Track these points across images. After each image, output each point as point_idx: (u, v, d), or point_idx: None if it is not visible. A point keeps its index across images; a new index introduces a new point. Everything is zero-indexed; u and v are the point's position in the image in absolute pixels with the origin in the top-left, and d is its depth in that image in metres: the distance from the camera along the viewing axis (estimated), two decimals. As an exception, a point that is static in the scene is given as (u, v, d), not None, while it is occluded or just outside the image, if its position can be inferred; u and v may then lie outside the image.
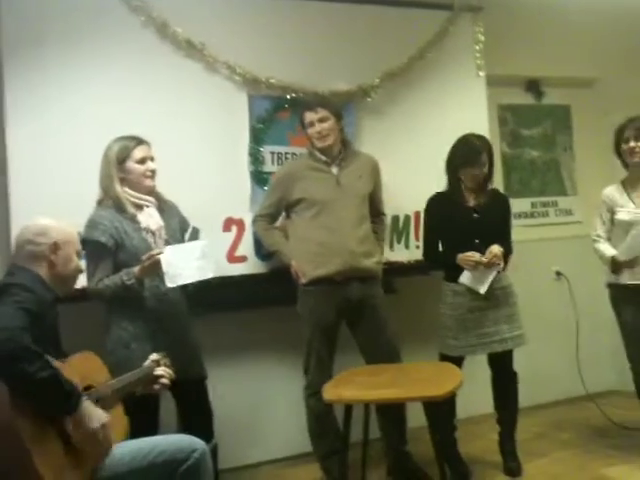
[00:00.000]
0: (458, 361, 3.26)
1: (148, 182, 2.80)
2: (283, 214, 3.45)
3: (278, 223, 3.46)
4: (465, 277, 3.24)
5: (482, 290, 3.23)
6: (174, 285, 2.64)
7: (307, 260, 3.26)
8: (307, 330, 3.28)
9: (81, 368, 2.10)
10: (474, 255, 3.20)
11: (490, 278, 3.23)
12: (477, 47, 4.18)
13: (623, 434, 3.84)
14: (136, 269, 2.64)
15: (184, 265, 2.65)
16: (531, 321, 3.63)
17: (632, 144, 3.36)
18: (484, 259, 3.20)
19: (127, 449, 2.14)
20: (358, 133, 3.79)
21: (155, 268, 2.63)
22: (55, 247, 2.22)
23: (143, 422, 2.66)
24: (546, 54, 4.64)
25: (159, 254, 2.62)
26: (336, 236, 3.23)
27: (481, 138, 3.36)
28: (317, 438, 3.33)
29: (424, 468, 3.33)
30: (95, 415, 1.98)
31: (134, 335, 2.70)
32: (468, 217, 3.33)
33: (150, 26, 3.39)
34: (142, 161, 2.78)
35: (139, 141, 2.80)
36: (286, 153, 3.70)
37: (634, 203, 3.39)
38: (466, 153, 3.31)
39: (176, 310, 2.81)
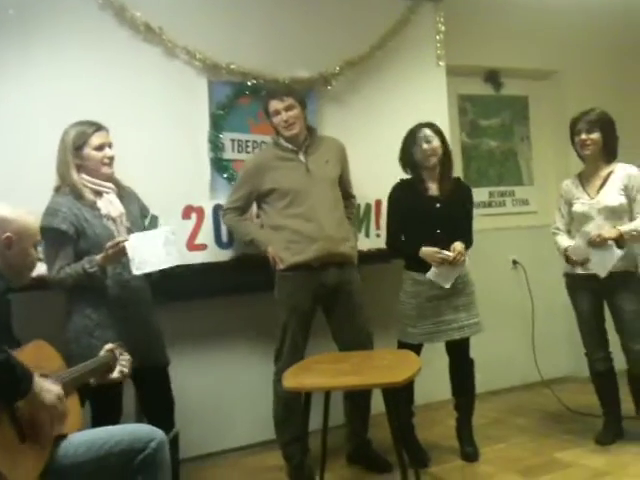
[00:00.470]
0: (417, 348, 3.29)
1: (105, 169, 2.75)
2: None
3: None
4: (431, 273, 3.27)
5: (447, 285, 3.26)
6: (141, 272, 2.60)
7: (283, 247, 3.25)
8: (283, 315, 3.27)
9: (33, 357, 2.05)
10: (441, 253, 3.23)
11: (455, 274, 3.27)
12: (438, 37, 4.21)
13: (577, 419, 3.93)
14: (99, 257, 2.59)
15: (150, 252, 2.60)
16: (488, 309, 3.68)
17: (584, 136, 3.41)
18: (450, 257, 3.22)
19: (83, 439, 2.11)
20: (319, 121, 3.78)
21: (119, 256, 2.59)
22: (8, 241, 2.14)
23: (105, 411, 2.65)
24: (505, 46, 4.69)
25: (124, 242, 2.57)
26: (312, 223, 3.23)
27: (428, 123, 3.38)
28: (281, 425, 3.33)
29: (383, 455, 3.37)
30: (49, 389, 1.95)
31: (98, 323, 2.65)
32: (430, 207, 3.34)
33: (107, 9, 3.33)
34: (100, 148, 2.72)
35: (97, 127, 2.74)
36: (247, 141, 3.68)
37: (588, 195, 3.46)
38: (408, 134, 3.37)
39: (139, 298, 2.78)
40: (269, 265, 3.28)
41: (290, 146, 3.32)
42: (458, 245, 3.26)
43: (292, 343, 3.26)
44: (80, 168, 2.71)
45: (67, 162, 2.69)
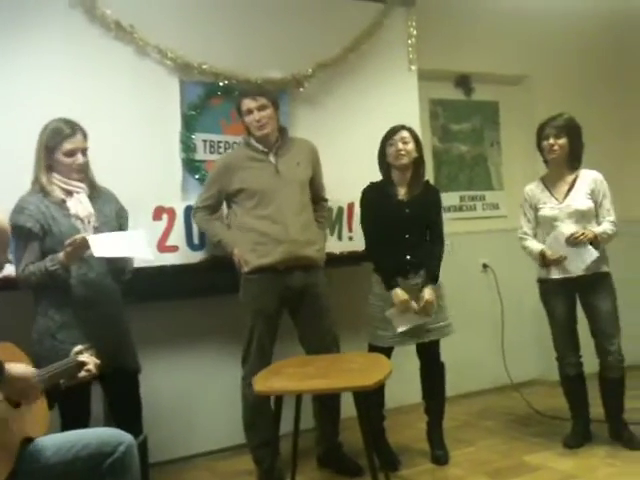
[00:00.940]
0: (387, 351, 3.29)
1: (74, 175, 2.71)
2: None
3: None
4: (390, 313, 3.28)
5: (399, 330, 3.27)
6: (103, 255, 2.55)
7: (250, 249, 3.23)
8: (249, 318, 3.24)
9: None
10: (409, 304, 3.24)
11: (415, 323, 3.28)
12: (410, 41, 4.23)
13: (545, 422, 3.97)
14: (61, 255, 2.55)
15: (114, 246, 2.58)
16: (458, 312, 3.71)
17: (551, 141, 3.45)
18: (416, 310, 3.25)
19: (51, 442, 2.07)
20: (292, 123, 3.77)
21: (79, 252, 2.55)
22: None
23: (74, 414, 2.60)
24: (477, 51, 4.73)
25: (81, 238, 2.52)
26: (278, 225, 3.21)
27: (407, 127, 3.39)
28: (251, 429, 3.30)
29: (354, 458, 3.36)
30: (21, 372, 1.92)
31: (61, 324, 2.61)
32: (400, 212, 3.35)
33: (77, 6, 3.28)
34: (71, 154, 2.68)
35: (72, 132, 2.69)
36: (219, 141, 3.65)
37: (556, 199, 3.49)
38: (386, 133, 3.38)
39: (106, 298, 2.73)
40: (235, 267, 3.26)
41: (260, 147, 3.31)
42: (427, 294, 3.27)
43: (259, 346, 3.23)
44: (51, 167, 2.68)
45: (39, 160, 2.68)
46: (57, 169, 2.69)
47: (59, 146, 2.66)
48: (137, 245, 2.68)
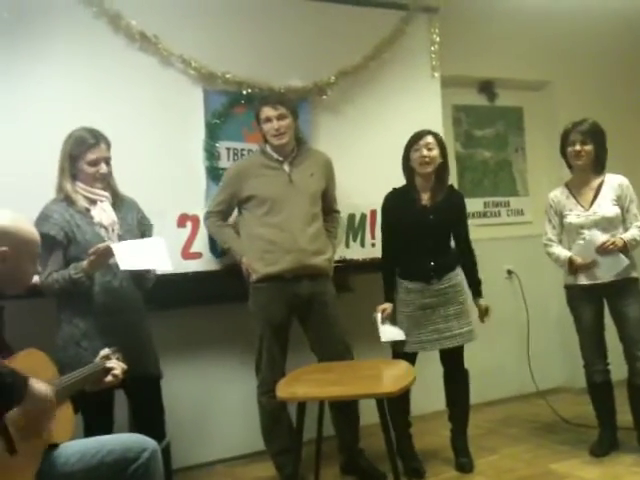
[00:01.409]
0: (411, 357, 3.28)
1: (98, 184, 2.76)
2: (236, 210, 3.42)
3: (231, 220, 3.43)
4: (376, 316, 3.33)
5: (382, 340, 3.31)
6: (127, 268, 2.59)
7: (258, 257, 3.25)
8: (258, 327, 3.26)
9: (26, 365, 2.02)
10: (376, 320, 3.30)
11: (398, 339, 3.33)
12: (432, 48, 4.22)
13: (571, 430, 3.92)
14: (84, 263, 2.59)
15: (138, 255, 2.61)
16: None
17: (578, 147, 3.42)
18: (379, 325, 3.31)
19: (75, 448, 2.09)
20: (314, 130, 3.79)
21: (103, 260, 2.58)
22: (3, 255, 2.04)
23: (98, 420, 2.63)
24: (500, 56, 4.71)
25: (105, 246, 2.56)
26: (286, 234, 3.22)
27: (433, 132, 3.38)
28: (270, 436, 3.31)
29: (376, 465, 3.35)
30: (43, 391, 1.90)
31: (85, 332, 2.65)
32: (423, 218, 3.33)
33: (102, 17, 3.33)
34: (94, 163, 2.72)
35: (96, 141, 2.73)
36: (242, 149, 3.68)
37: (582, 206, 3.46)
38: (411, 138, 3.36)
39: (129, 306, 2.76)
40: (243, 276, 3.29)
41: (276, 155, 3.32)
42: (483, 303, 3.46)
43: (269, 355, 3.24)
44: (75, 176, 2.73)
45: (63, 169, 2.72)
46: (80, 178, 2.73)
47: (83, 155, 2.70)
48: (158, 254, 2.71)
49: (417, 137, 3.34)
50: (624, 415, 3.52)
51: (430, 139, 3.32)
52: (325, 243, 3.38)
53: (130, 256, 2.59)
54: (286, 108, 3.27)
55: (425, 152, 3.30)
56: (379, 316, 3.30)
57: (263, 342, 3.25)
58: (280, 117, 3.25)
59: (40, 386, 1.91)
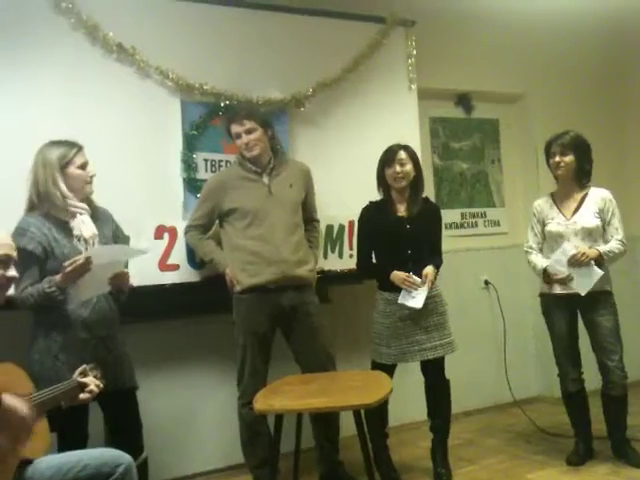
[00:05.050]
0: (390, 369, 3.29)
1: (88, 188, 2.76)
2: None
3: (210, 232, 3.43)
4: (403, 297, 3.29)
5: (419, 306, 3.27)
6: (100, 262, 2.57)
7: (241, 269, 3.25)
8: (241, 338, 3.26)
9: (1, 380, 2.01)
10: (410, 277, 3.25)
11: (425, 295, 3.27)
12: (409, 61, 4.25)
13: (548, 439, 3.95)
14: (58, 277, 2.56)
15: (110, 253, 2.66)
16: (460, 329, 3.71)
17: (557, 159, 3.48)
18: (419, 282, 3.25)
19: (50, 463, 2.07)
20: (292, 142, 3.80)
21: (77, 274, 2.55)
22: None
23: (72, 435, 2.60)
24: (476, 69, 4.77)
25: (80, 260, 2.53)
26: (269, 245, 3.23)
27: (404, 146, 3.41)
28: (249, 448, 3.30)
29: (355, 477, 3.35)
30: (18, 405, 1.89)
31: (62, 345, 2.62)
32: (400, 228, 3.36)
33: (80, 28, 3.31)
34: (83, 166, 2.73)
35: (79, 147, 2.74)
36: (220, 160, 3.66)
37: (564, 215, 3.51)
38: (384, 154, 3.39)
39: (105, 319, 2.74)
40: (226, 287, 3.28)
41: (253, 167, 3.33)
42: (429, 270, 3.29)
43: (251, 366, 3.24)
44: (56, 185, 2.67)
45: (54, 179, 2.65)
46: (68, 184, 2.69)
47: (72, 160, 2.69)
48: (130, 250, 2.77)
49: (389, 153, 3.38)
50: (600, 424, 3.56)
51: (403, 154, 3.36)
52: (307, 253, 3.39)
53: (104, 254, 2.62)
54: (255, 121, 3.29)
55: (398, 168, 3.34)
56: (417, 279, 3.27)
57: (246, 353, 3.24)
58: (248, 131, 3.28)
59: (15, 402, 1.89)
